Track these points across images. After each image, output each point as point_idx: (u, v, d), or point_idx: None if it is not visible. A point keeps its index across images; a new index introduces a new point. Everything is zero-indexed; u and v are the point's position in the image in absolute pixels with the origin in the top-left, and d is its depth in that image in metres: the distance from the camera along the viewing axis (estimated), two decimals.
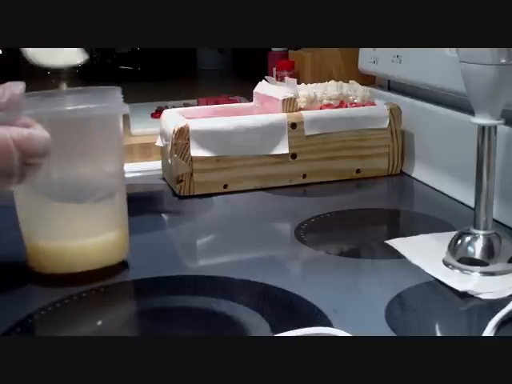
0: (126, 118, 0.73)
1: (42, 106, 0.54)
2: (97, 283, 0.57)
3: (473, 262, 0.57)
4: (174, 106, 1.06)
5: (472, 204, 0.59)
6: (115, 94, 0.59)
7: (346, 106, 0.89)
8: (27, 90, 0.52)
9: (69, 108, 0.55)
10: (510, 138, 0.68)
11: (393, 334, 0.48)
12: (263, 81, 0.92)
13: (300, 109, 0.85)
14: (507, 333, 0.48)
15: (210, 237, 0.73)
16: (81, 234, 0.59)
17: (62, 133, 0.55)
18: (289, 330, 0.46)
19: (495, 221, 0.63)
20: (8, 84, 0.50)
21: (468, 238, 0.58)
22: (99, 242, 0.59)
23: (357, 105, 0.89)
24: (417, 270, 0.59)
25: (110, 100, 0.58)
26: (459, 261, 0.58)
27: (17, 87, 0.49)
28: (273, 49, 1.31)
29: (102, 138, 0.59)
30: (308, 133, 0.84)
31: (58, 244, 0.58)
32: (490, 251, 0.57)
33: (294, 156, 0.84)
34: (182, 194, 0.81)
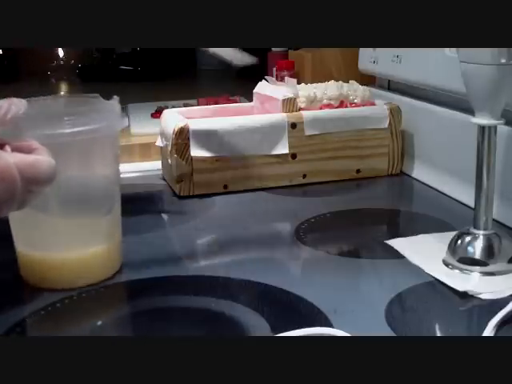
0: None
1: (42, 128, 0.53)
2: (96, 283, 0.57)
3: (473, 261, 0.57)
4: (173, 106, 1.06)
5: (472, 204, 0.59)
6: (113, 106, 0.58)
7: (346, 106, 0.89)
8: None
9: (69, 131, 0.54)
10: (510, 137, 0.68)
11: (393, 334, 0.48)
12: (263, 81, 0.92)
13: (300, 109, 0.85)
14: (507, 333, 0.48)
15: (210, 237, 0.73)
16: (76, 246, 0.58)
17: (61, 152, 0.53)
18: (289, 330, 0.46)
19: (495, 221, 0.63)
20: (14, 100, 0.49)
21: (468, 238, 0.58)
22: (97, 253, 0.58)
23: (357, 105, 0.89)
24: (417, 270, 0.59)
25: (109, 115, 0.57)
26: (459, 261, 0.58)
27: (21, 106, 0.49)
28: (273, 49, 1.31)
29: (101, 153, 0.58)
30: (308, 133, 0.84)
31: (50, 255, 0.57)
32: (489, 251, 0.57)
33: (294, 156, 0.84)
34: (181, 194, 0.81)
